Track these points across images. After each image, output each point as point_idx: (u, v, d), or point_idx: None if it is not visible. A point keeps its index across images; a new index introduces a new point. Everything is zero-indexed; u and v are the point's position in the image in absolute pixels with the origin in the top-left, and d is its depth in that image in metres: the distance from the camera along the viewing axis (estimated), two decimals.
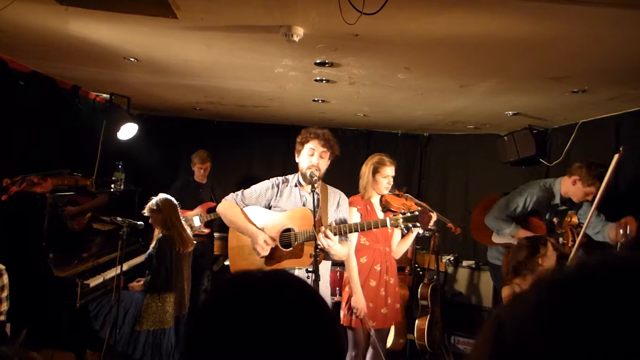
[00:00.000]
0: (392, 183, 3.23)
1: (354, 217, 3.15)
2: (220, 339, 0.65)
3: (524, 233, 3.35)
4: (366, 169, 3.24)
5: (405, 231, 2.73)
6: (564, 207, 3.43)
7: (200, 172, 4.87)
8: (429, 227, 3.32)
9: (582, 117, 3.92)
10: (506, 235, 3.46)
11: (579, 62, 2.45)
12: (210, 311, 0.71)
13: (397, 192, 3.37)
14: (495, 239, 3.67)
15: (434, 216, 3.22)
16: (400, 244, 3.37)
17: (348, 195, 3.00)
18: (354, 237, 3.03)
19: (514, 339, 0.48)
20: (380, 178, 3.17)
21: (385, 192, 3.23)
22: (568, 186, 3.33)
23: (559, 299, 0.46)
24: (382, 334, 3.38)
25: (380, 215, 3.22)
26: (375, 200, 3.27)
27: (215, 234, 5.03)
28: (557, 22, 1.90)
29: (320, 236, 2.42)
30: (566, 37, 2.07)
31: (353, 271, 3.08)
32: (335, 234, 2.50)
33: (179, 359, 3.39)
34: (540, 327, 0.46)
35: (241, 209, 2.72)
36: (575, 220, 3.01)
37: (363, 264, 3.16)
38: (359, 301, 3.03)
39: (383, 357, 3.20)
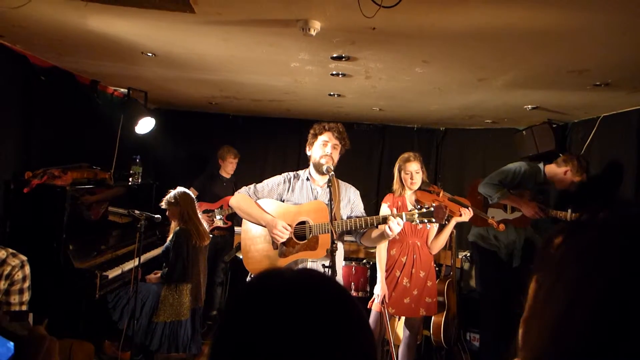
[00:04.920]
0: (416, 178, 3.37)
1: (384, 213, 3.36)
2: (250, 342, 0.64)
3: (513, 199, 3.75)
4: (395, 169, 3.48)
5: (420, 226, 2.81)
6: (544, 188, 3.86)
7: (230, 167, 4.98)
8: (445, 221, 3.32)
9: (604, 111, 3.83)
10: (495, 200, 3.75)
11: (601, 55, 2.39)
12: (239, 313, 0.69)
13: (430, 188, 3.38)
14: (491, 214, 3.84)
15: (469, 212, 3.22)
16: (435, 240, 3.47)
17: (369, 191, 3.04)
18: None
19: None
20: (404, 174, 3.39)
21: (413, 187, 3.38)
22: (555, 173, 3.74)
23: None
24: (411, 323, 3.54)
25: None
26: (409, 197, 3.43)
27: (236, 228, 5.05)
28: (579, 13, 1.85)
29: (394, 222, 2.47)
30: (588, 29, 2.02)
31: (381, 262, 3.36)
32: (354, 228, 2.59)
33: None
34: None
35: (255, 201, 2.73)
36: None
37: (392, 255, 3.42)
38: (380, 288, 3.31)
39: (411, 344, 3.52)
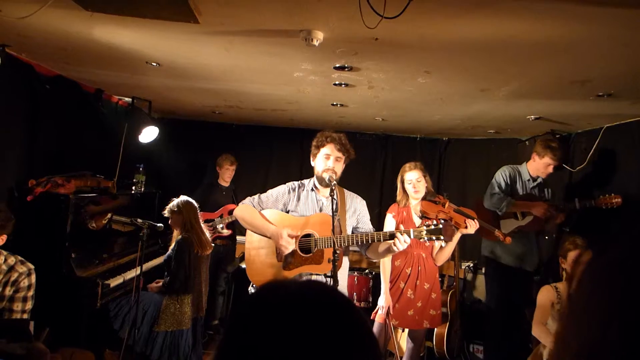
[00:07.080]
0: (419, 187, 3.36)
1: (389, 223, 3.41)
2: (254, 354, 0.63)
3: (520, 204, 3.74)
4: (397, 180, 3.50)
5: (428, 243, 2.76)
6: (537, 184, 3.87)
7: (227, 174, 4.97)
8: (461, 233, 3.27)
9: (607, 121, 3.83)
10: (503, 210, 3.74)
11: (604, 65, 2.40)
12: (243, 325, 0.68)
13: (436, 198, 3.34)
14: (504, 226, 3.80)
15: (475, 224, 3.15)
16: (440, 252, 3.44)
17: (371, 201, 3.02)
18: None
19: None
20: (406, 184, 3.40)
21: (415, 195, 3.37)
22: (532, 165, 3.83)
23: None
24: (414, 335, 3.50)
25: (417, 221, 3.35)
26: (414, 208, 3.42)
27: (238, 237, 5.02)
28: (581, 24, 1.86)
29: (401, 239, 2.45)
30: (590, 40, 2.02)
31: (385, 273, 3.37)
32: (360, 243, 2.56)
33: None
34: None
35: (259, 212, 2.72)
36: None
37: (397, 266, 3.42)
38: (384, 299, 3.32)
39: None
